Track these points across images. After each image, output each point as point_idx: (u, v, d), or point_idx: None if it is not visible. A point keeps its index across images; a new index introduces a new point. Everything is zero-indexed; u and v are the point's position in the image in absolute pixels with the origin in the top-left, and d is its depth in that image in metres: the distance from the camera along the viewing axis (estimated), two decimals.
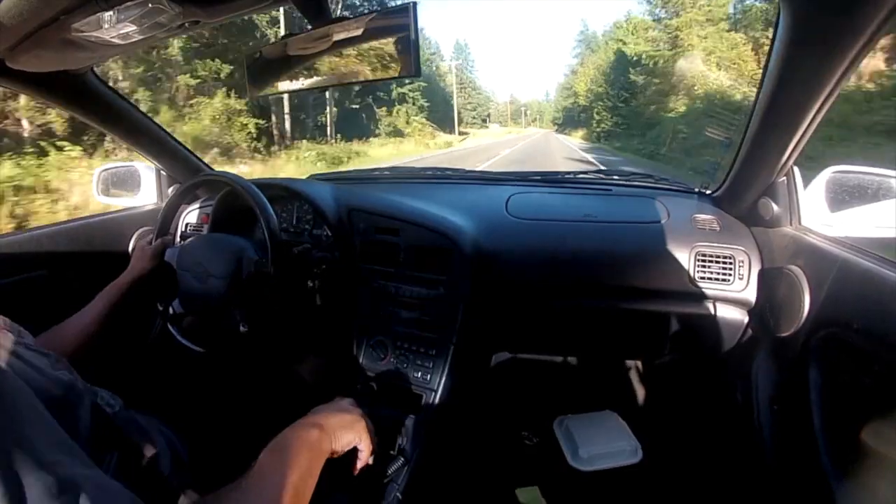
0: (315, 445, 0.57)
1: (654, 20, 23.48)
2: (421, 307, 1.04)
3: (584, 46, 47.44)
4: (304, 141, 14.15)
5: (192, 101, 10.41)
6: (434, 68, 46.33)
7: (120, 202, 1.40)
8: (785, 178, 0.93)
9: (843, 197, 0.89)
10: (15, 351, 0.49)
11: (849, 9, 0.59)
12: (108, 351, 0.84)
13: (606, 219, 1.16)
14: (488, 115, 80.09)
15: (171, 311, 0.97)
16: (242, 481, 0.48)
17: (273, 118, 13.72)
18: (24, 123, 6.53)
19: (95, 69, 1.02)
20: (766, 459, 0.94)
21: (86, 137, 6.74)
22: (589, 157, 16.22)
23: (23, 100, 6.11)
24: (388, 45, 0.64)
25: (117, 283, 0.90)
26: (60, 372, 0.54)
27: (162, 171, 1.39)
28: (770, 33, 0.74)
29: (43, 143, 5.98)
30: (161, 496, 0.58)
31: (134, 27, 0.65)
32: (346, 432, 0.64)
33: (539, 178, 1.43)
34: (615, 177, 1.39)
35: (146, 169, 1.38)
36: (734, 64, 17.34)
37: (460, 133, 42.10)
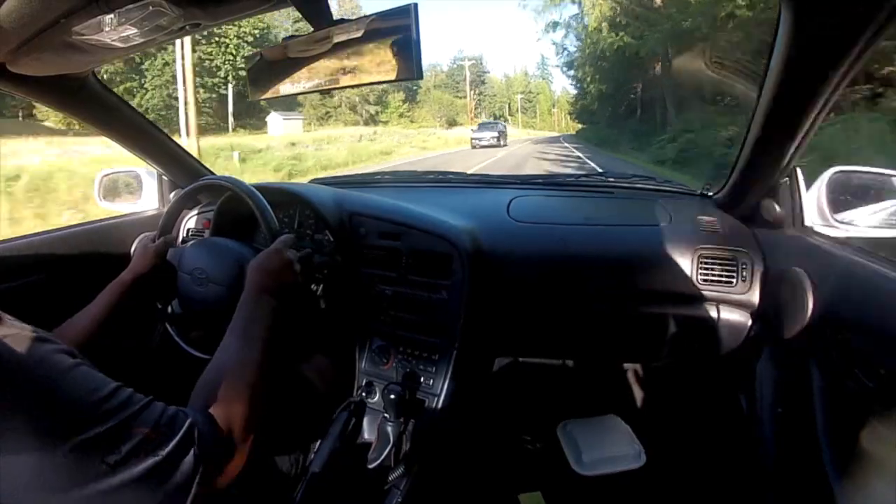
0: (268, 310, 0.70)
1: None
2: (423, 312, 1.03)
3: None
4: None
5: None
6: None
7: (121, 207, 1.40)
8: (787, 179, 0.93)
9: (845, 198, 0.89)
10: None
11: (850, 9, 0.59)
12: (110, 350, 0.83)
13: (609, 222, 1.16)
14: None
15: (170, 310, 0.96)
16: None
17: None
18: None
19: (96, 72, 1.02)
20: (770, 463, 0.93)
21: None
22: None
23: None
24: (388, 46, 0.64)
25: (119, 280, 0.89)
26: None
27: (163, 176, 1.38)
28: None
29: None
30: None
31: (135, 30, 0.65)
32: (281, 280, 0.77)
33: (541, 181, 1.43)
34: (617, 179, 1.39)
35: (147, 174, 1.38)
36: None
37: None
